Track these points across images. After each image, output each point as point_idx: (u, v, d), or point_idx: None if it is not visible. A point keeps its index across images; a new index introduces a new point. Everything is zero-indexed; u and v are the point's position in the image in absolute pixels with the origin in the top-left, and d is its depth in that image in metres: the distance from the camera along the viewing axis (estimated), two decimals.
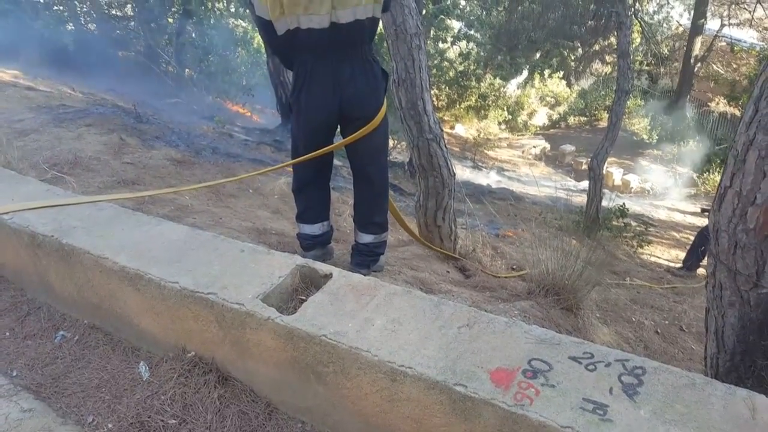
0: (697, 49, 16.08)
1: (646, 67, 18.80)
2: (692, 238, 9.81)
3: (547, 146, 17.19)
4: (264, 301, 1.70)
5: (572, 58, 16.48)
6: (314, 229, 2.68)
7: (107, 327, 2.16)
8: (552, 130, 19.42)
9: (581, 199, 11.71)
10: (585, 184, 13.85)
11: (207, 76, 10.57)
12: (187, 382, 1.85)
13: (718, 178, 13.19)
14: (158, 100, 7.09)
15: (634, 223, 7.79)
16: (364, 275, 2.67)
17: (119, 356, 2.08)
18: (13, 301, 2.41)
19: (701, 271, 6.75)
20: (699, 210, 12.11)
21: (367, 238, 2.66)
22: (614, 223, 7.22)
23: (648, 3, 15.11)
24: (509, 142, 17.78)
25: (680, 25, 18.58)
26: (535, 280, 2.93)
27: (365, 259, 2.69)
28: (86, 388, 1.93)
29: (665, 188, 14.05)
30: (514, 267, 4.28)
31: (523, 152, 16.72)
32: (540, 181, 13.40)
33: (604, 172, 6.43)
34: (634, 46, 17.36)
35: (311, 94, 2.34)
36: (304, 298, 1.81)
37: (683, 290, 5.79)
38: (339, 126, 2.48)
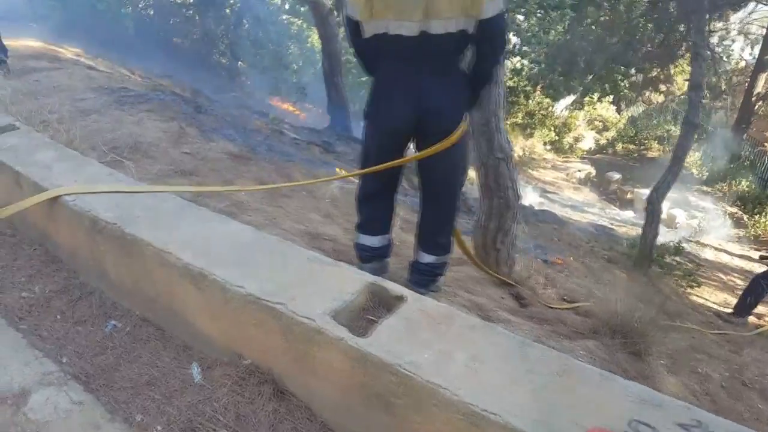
0: (761, 86, 15.46)
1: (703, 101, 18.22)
2: (740, 282, 9.40)
3: (593, 171, 16.76)
4: (334, 318, 1.59)
5: (626, 84, 16.04)
6: (374, 241, 2.58)
7: (160, 322, 2.09)
8: (598, 155, 18.93)
9: (625, 230, 11.37)
10: (629, 214, 13.52)
11: (260, 70, 10.64)
12: (241, 390, 1.76)
13: None
14: (212, 91, 7.14)
15: (688, 263, 7.46)
16: (422, 294, 2.59)
17: (170, 353, 2.01)
18: (65, 283, 2.37)
19: (752, 319, 6.42)
20: (749, 253, 11.63)
21: (428, 258, 2.54)
22: (666, 260, 6.92)
23: (710, 35, 14.64)
24: (554, 164, 17.41)
25: (742, 59, 17.97)
26: (602, 319, 2.76)
27: (424, 279, 2.57)
28: (136, 384, 1.86)
29: (713, 227, 13.52)
30: (566, 298, 4.11)
31: (567, 175, 16.33)
32: (584, 207, 13.05)
33: (662, 208, 6.15)
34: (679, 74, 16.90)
35: (390, 103, 2.25)
36: (373, 318, 1.70)
37: (736, 339, 5.49)
38: (414, 139, 2.37)
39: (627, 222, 12.68)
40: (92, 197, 2.23)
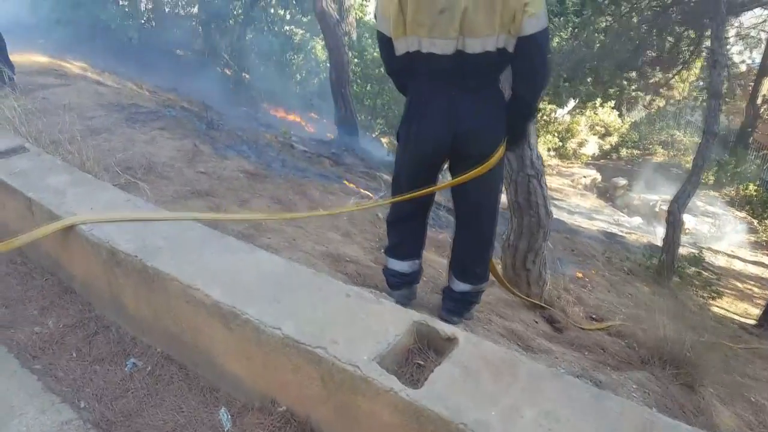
0: (765, 89, 15.33)
1: (699, 103, 18.05)
2: (757, 290, 9.24)
3: (598, 177, 16.62)
4: (380, 364, 1.45)
5: (632, 89, 15.92)
6: (404, 266, 2.44)
7: (184, 360, 1.95)
8: (602, 161, 18.80)
9: (636, 237, 11.22)
10: (637, 220, 13.37)
11: (265, 81, 10.55)
12: None
13: None
14: (219, 103, 7.03)
15: (705, 273, 7.30)
16: (455, 323, 2.44)
17: (196, 396, 1.86)
18: (80, 316, 2.23)
19: None
20: (762, 259, 11.47)
21: (463, 287, 2.40)
22: (687, 271, 6.77)
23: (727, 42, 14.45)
24: (558, 170, 17.26)
25: (744, 63, 17.83)
26: (649, 347, 2.61)
27: (458, 307, 2.44)
28: None
29: (723, 232, 13.36)
30: (594, 316, 3.96)
31: (572, 181, 16.19)
32: (591, 214, 12.91)
33: (683, 217, 6.00)
34: (690, 81, 16.76)
35: (424, 125, 2.11)
36: (421, 363, 1.56)
37: (764, 352, 5.33)
38: (449, 161, 2.23)
39: (636, 229, 12.54)
40: (110, 226, 2.09)
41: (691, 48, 8.97)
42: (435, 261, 3.70)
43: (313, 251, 2.98)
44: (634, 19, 8.85)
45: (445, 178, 2.34)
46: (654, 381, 2.37)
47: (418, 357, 1.59)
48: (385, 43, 2.09)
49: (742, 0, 7.01)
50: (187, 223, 2.14)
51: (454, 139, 2.09)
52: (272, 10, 11.91)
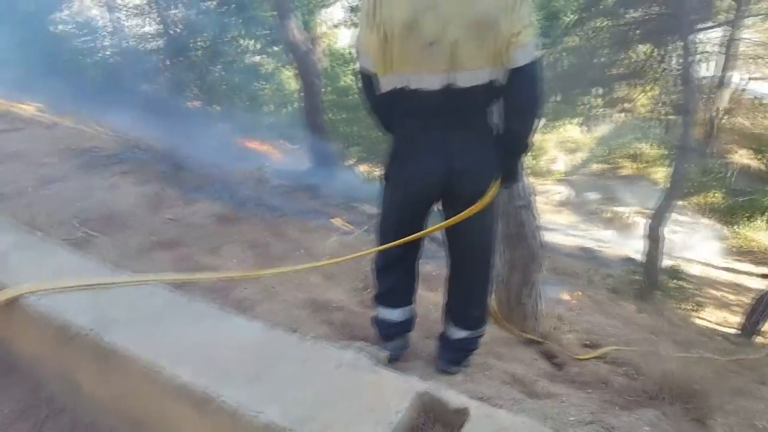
0: (724, 101, 15.81)
1: (664, 117, 18.50)
2: (733, 297, 9.30)
3: (571, 193, 16.81)
4: None
5: (599, 104, 16.23)
6: (396, 314, 2.24)
7: None
8: (574, 177, 19.05)
9: (612, 251, 11.27)
10: (611, 233, 13.48)
11: (236, 114, 10.33)
12: None
13: (748, 232, 12.73)
14: (188, 139, 6.77)
15: (687, 285, 7.29)
16: (455, 373, 2.25)
17: None
18: (29, 399, 1.94)
19: (759, 339, 6.25)
20: (734, 265, 11.61)
21: (461, 334, 2.21)
22: (669, 284, 6.74)
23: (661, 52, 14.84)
24: (533, 188, 17.38)
25: (703, 77, 18.35)
26: (655, 380, 2.45)
27: (457, 356, 2.25)
28: None
29: (694, 241, 13.55)
30: (587, 342, 3.82)
31: (547, 198, 16.32)
32: (568, 230, 12.95)
33: (664, 233, 5.97)
34: (648, 94, 17.23)
35: (414, 165, 1.94)
36: None
37: (751, 363, 5.28)
38: (441, 201, 2.06)
39: (611, 242, 12.63)
40: (61, 295, 1.84)
41: (657, 66, 9.20)
42: (423, 296, 3.49)
43: (295, 300, 2.76)
44: (602, 39, 9.01)
45: (437, 219, 2.17)
46: (665, 420, 2.21)
47: None
48: (368, 80, 1.93)
49: (699, 20, 7.17)
50: (150, 287, 1.90)
51: (447, 179, 1.93)
52: (240, 41, 11.74)
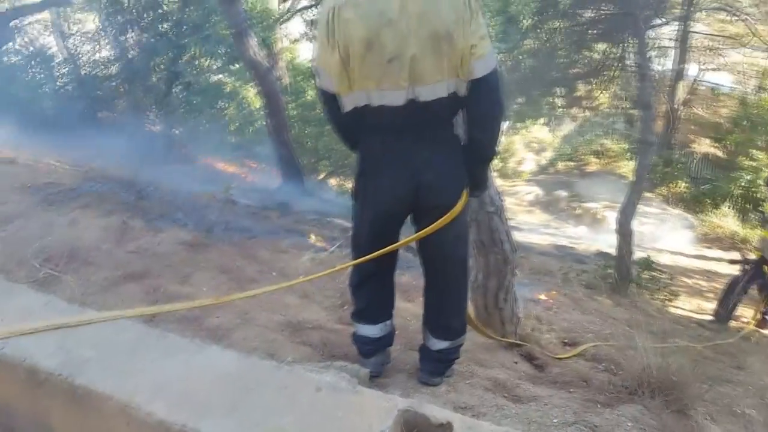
0: (681, 93, 16.32)
1: (624, 110, 19.01)
2: (705, 284, 9.53)
3: (541, 192, 17.07)
4: None
5: (560, 104, 16.58)
6: (375, 330, 2.23)
7: None
8: (542, 176, 19.36)
9: (584, 247, 11.45)
10: (582, 229, 13.71)
11: (198, 136, 10.18)
12: None
13: (715, 220, 13.12)
14: (151, 166, 6.63)
15: (660, 275, 7.43)
16: (437, 384, 2.24)
17: None
18: None
19: (732, 323, 6.40)
20: (703, 252, 11.92)
21: (441, 345, 2.21)
22: (642, 276, 6.86)
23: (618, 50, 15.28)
24: (503, 189, 17.59)
25: (659, 70, 18.95)
26: (633, 375, 2.48)
27: (438, 367, 2.24)
28: None
29: (662, 231, 13.87)
30: (566, 341, 3.86)
31: (518, 199, 16.55)
32: (540, 229, 13.13)
33: (633, 227, 6.09)
34: (608, 92, 17.71)
35: (381, 182, 1.95)
36: None
37: (726, 347, 5.41)
38: (412, 215, 2.07)
39: (583, 238, 12.83)
40: (27, 339, 1.77)
41: (615, 63, 9.47)
42: (401, 308, 3.49)
43: (270, 323, 2.71)
44: (559, 41, 9.24)
45: (410, 231, 2.17)
46: (647, 414, 2.24)
47: None
48: (330, 99, 1.93)
49: (653, 16, 7.41)
50: (121, 323, 1.85)
51: (416, 193, 1.94)
52: (197, 62, 11.61)
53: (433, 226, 1.94)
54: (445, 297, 2.18)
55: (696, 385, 2.46)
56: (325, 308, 3.21)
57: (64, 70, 11.47)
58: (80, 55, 11.56)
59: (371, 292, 2.21)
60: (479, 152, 2.02)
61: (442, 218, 1.93)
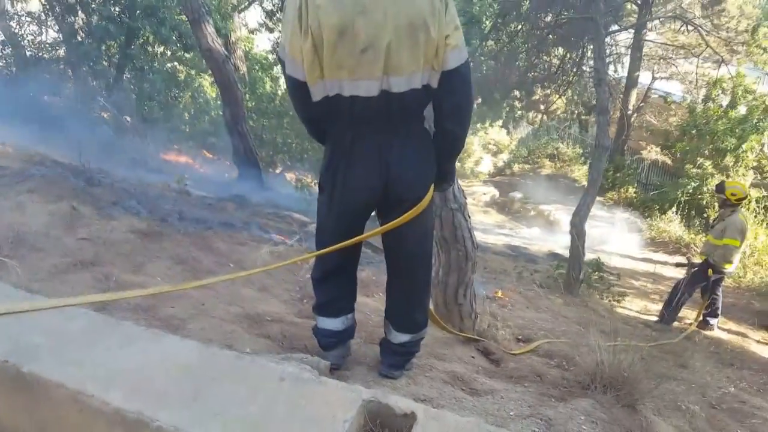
0: (633, 100, 16.90)
1: (579, 116, 19.61)
2: (651, 286, 9.91)
3: (497, 193, 17.38)
4: None
5: (518, 107, 16.93)
6: (337, 323, 2.21)
7: None
8: (498, 177, 19.72)
9: (537, 248, 11.73)
10: (535, 231, 14.04)
11: (150, 124, 9.85)
12: None
13: (662, 224, 13.68)
14: (101, 154, 6.37)
15: (609, 277, 7.70)
16: (397, 377, 2.25)
17: None
18: None
19: (675, 324, 6.67)
20: (650, 255, 12.41)
21: (403, 338, 2.21)
22: (592, 277, 7.08)
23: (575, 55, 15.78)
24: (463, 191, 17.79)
25: (613, 77, 19.61)
26: (587, 371, 2.56)
27: (399, 360, 2.25)
28: None
29: (610, 234, 14.35)
30: (520, 337, 3.95)
31: (474, 199, 16.76)
32: (495, 230, 13.36)
33: (585, 229, 6.27)
34: (565, 97, 18.25)
35: (350, 174, 1.92)
36: None
37: (671, 348, 5.64)
38: (378, 209, 2.06)
39: (536, 239, 13.13)
40: None
41: (574, 69, 9.72)
42: (360, 303, 3.48)
43: (227, 315, 2.65)
44: (520, 44, 9.43)
45: (372, 226, 2.16)
46: (599, 408, 2.31)
47: None
48: (298, 88, 1.87)
49: (609, 23, 7.65)
50: (71, 311, 1.77)
51: (385, 187, 1.92)
52: (150, 48, 11.22)
53: (400, 219, 1.93)
54: (410, 291, 2.18)
55: (645, 381, 2.54)
56: (284, 301, 3.17)
57: (6, 50, 10.92)
58: (23, 36, 11.03)
59: (334, 286, 2.18)
60: (451, 145, 2.02)
61: (410, 212, 1.93)
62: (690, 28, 11.94)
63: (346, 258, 2.12)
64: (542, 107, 19.53)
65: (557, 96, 12.71)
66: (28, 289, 2.17)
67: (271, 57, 14.95)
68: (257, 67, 14.17)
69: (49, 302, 1.80)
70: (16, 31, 10.86)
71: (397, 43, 1.73)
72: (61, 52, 11.20)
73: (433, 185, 2.03)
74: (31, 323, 1.69)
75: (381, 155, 1.89)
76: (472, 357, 2.91)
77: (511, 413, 2.19)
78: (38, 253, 2.68)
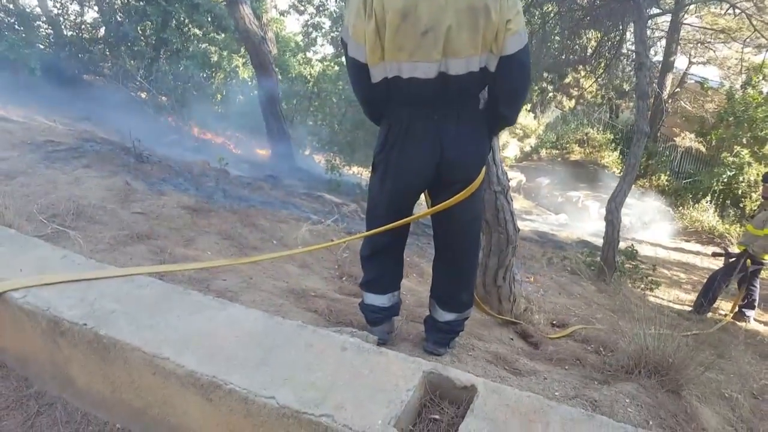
0: (668, 85, 16.47)
1: (611, 101, 19.16)
2: (683, 275, 9.77)
3: (524, 179, 17.20)
4: (396, 426, 1.28)
5: (550, 90, 16.65)
6: (384, 300, 2.27)
7: None
8: (525, 163, 19.49)
9: (566, 234, 11.63)
10: (563, 217, 13.91)
11: (186, 104, 10.01)
12: None
13: (695, 213, 13.41)
14: (141, 132, 6.52)
15: (642, 265, 7.62)
16: (442, 354, 2.31)
17: None
18: (16, 395, 1.89)
19: (709, 315, 6.59)
20: (682, 245, 12.20)
21: (449, 317, 2.27)
22: (626, 265, 7.02)
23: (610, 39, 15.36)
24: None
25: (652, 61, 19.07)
26: (633, 358, 2.58)
27: (444, 338, 2.31)
28: None
29: (643, 223, 14.12)
30: (554, 322, 3.97)
31: None
32: (523, 215, 13.28)
33: (621, 216, 6.21)
34: (598, 80, 17.83)
35: (405, 154, 1.96)
36: (437, 417, 1.40)
37: (705, 338, 5.59)
38: (429, 189, 2.11)
39: (564, 226, 13.01)
40: (47, 290, 1.79)
41: (613, 52, 9.47)
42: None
43: (275, 290, 2.75)
44: (553, 25, 9.22)
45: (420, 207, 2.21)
46: (644, 392, 2.34)
47: (433, 411, 1.43)
48: (359, 69, 1.92)
49: (648, 5, 7.43)
50: (141, 279, 1.87)
51: (438, 168, 1.96)
52: (185, 29, 11.36)
53: (452, 200, 1.97)
54: (458, 271, 2.23)
55: (691, 368, 2.56)
56: (325, 278, 3.26)
57: (49, 30, 11.17)
58: (63, 18, 11.25)
59: (382, 264, 2.25)
60: (500, 127, 2.07)
61: (461, 193, 1.97)
62: (734, 11, 11.51)
63: (396, 238, 2.18)
64: (574, 91, 19.18)
65: (593, 79, 12.40)
66: (91, 259, 2.29)
67: (299, 39, 14.99)
68: (287, 50, 14.22)
69: (119, 270, 1.90)
70: (59, 11, 11.09)
71: (457, 26, 1.75)
72: (101, 32, 11.42)
73: (484, 168, 2.07)
74: (104, 289, 1.79)
75: (436, 137, 1.93)
76: (511, 339, 2.96)
77: (556, 393, 2.24)
78: (97, 225, 2.81)
